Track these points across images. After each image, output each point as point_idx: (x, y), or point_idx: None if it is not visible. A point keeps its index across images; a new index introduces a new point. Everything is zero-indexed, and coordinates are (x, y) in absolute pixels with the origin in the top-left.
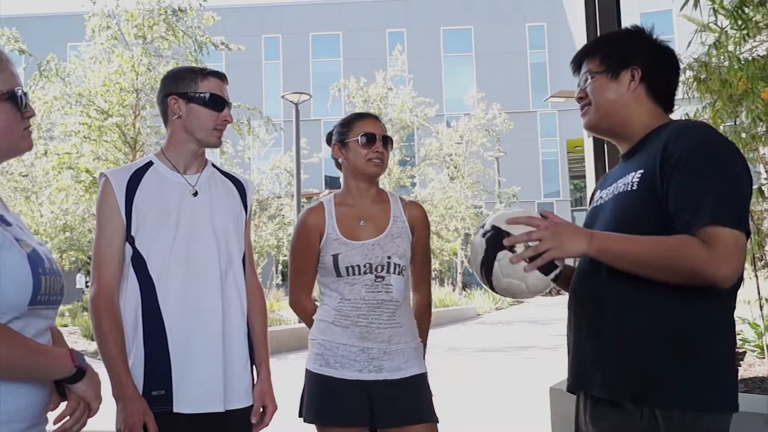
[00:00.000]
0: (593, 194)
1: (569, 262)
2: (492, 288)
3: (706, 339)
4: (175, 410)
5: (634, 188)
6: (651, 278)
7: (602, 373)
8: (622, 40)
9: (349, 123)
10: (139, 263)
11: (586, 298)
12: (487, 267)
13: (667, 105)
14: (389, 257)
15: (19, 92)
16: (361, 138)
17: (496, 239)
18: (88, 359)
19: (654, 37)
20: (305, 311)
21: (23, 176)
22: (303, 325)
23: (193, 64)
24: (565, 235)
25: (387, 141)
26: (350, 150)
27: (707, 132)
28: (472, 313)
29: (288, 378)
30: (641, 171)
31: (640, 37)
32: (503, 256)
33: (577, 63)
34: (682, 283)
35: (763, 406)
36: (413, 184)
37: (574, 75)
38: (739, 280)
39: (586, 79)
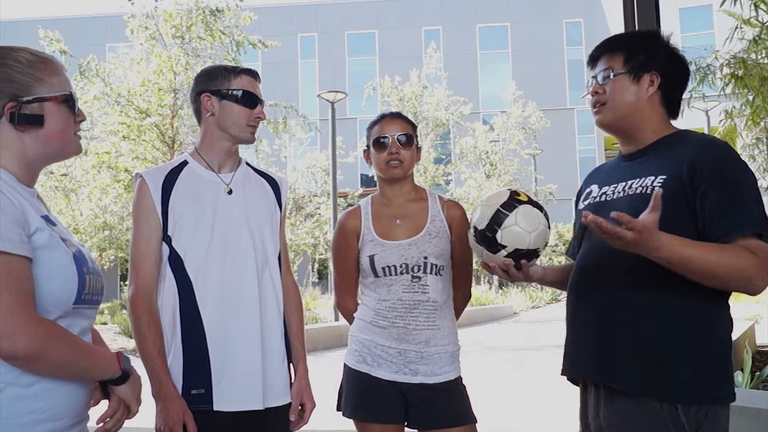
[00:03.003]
0: (585, 188)
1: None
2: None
3: (714, 336)
4: (215, 408)
5: (656, 191)
6: (700, 282)
7: (616, 367)
8: (646, 43)
9: (369, 128)
10: (177, 263)
11: (590, 294)
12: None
13: (673, 112)
14: (426, 257)
15: (74, 97)
16: (373, 143)
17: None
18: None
19: (670, 44)
20: (348, 311)
21: (63, 176)
22: (339, 323)
23: (229, 63)
24: (641, 245)
25: (408, 139)
26: (372, 155)
27: (731, 150)
28: (508, 312)
29: (325, 375)
30: (663, 176)
31: (659, 42)
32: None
33: (596, 57)
34: (721, 288)
35: None
36: (448, 183)
37: (588, 67)
38: None
39: (607, 76)
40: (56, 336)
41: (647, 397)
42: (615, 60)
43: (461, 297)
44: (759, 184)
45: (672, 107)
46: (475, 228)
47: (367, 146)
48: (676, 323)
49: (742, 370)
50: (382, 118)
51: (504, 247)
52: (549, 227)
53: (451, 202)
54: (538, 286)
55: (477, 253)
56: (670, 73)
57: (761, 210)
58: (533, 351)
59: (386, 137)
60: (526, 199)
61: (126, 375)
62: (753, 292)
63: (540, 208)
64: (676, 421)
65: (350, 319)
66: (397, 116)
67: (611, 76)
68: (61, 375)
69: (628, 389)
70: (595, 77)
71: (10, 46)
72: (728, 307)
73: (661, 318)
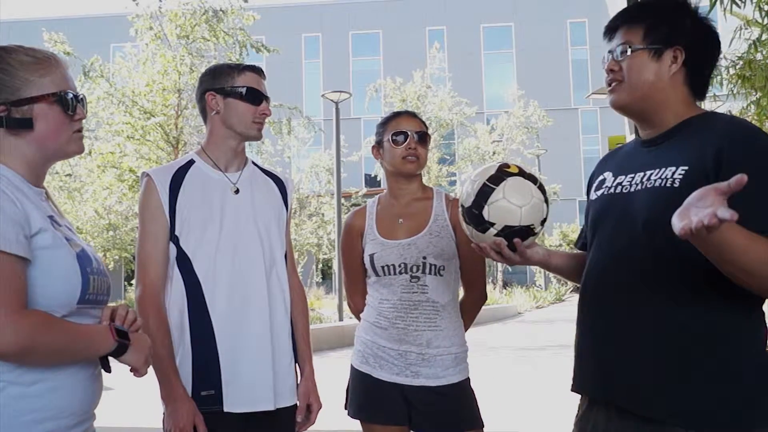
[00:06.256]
0: (598, 176)
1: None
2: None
3: (746, 356)
4: (225, 410)
5: (675, 185)
6: (733, 278)
7: (639, 388)
8: (668, 13)
9: (383, 123)
10: (185, 263)
11: (606, 306)
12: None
13: (699, 92)
14: (424, 257)
15: (69, 95)
16: (392, 137)
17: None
18: None
19: (699, 13)
20: (357, 311)
21: (68, 176)
22: (343, 323)
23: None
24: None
25: (423, 137)
26: (385, 150)
27: (761, 135)
28: (512, 312)
29: (330, 376)
30: (685, 168)
31: (686, 12)
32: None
33: (613, 28)
34: (753, 288)
35: None
36: (452, 183)
37: (605, 38)
38: None
39: (624, 51)
40: (43, 325)
41: (671, 424)
42: (634, 33)
43: (472, 299)
44: None
45: (698, 86)
46: (462, 206)
47: (378, 142)
48: (703, 340)
49: None
50: (399, 114)
51: (492, 224)
52: (546, 201)
53: (456, 201)
54: (542, 285)
55: (467, 233)
56: (697, 47)
57: None
58: (537, 351)
59: (405, 132)
60: (516, 171)
61: (123, 346)
62: None
63: (534, 180)
64: None
65: (359, 319)
66: (414, 115)
67: (629, 52)
68: (58, 362)
69: (649, 413)
70: (611, 52)
71: (4, 47)
72: (758, 319)
73: (686, 335)
